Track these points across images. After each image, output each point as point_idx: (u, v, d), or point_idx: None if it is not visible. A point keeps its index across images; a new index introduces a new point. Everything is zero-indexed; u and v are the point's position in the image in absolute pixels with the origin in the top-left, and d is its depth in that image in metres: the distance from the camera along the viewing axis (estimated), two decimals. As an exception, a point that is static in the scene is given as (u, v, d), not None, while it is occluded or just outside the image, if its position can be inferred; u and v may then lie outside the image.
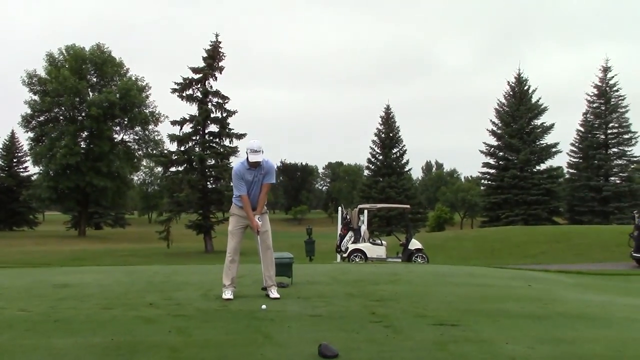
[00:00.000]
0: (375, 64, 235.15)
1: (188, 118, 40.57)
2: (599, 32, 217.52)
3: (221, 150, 41.42)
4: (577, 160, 60.40)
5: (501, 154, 61.16)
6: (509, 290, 8.13)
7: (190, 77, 41.01)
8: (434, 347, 4.50)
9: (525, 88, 61.08)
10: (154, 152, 56.59)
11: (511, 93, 61.50)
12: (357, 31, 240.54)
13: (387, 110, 70.84)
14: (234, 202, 7.05)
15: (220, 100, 41.19)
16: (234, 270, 6.90)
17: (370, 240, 21.98)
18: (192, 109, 41.27)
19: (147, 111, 57.96)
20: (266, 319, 5.52)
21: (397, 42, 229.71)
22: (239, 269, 7.11)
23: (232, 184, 7.19)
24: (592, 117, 59.84)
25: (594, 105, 59.84)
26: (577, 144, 60.19)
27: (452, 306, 6.42)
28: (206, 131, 41.61)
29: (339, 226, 22.52)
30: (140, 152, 61.17)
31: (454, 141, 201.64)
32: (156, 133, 59.41)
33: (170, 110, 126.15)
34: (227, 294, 6.74)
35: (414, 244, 21.50)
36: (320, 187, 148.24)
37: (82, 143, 57.10)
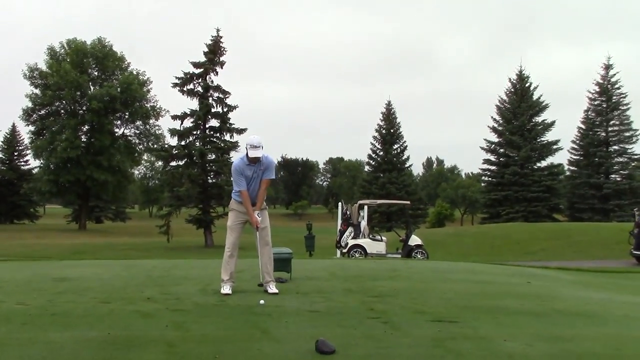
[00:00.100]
0: (377, 60, 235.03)
1: (189, 112, 40.48)
2: (601, 30, 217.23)
3: (222, 145, 41.35)
4: (577, 157, 60.32)
5: (502, 150, 61.11)
6: (508, 287, 8.11)
7: (191, 72, 40.92)
8: (432, 343, 4.49)
9: (527, 85, 60.99)
10: (155, 146, 56.56)
11: (512, 90, 61.39)
12: (359, 27, 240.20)
13: (388, 106, 70.88)
14: (234, 197, 7.03)
15: (221, 95, 41.11)
16: (233, 265, 6.88)
17: (370, 236, 21.97)
18: (193, 104, 41.23)
19: (148, 105, 57.96)
20: (264, 314, 5.50)
21: (399, 38, 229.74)
22: (238, 264, 7.09)
23: (232, 179, 7.17)
24: (593, 114, 59.73)
25: (595, 103, 59.73)
26: (578, 141, 60.11)
27: (451, 303, 6.40)
28: (207, 126, 41.53)
29: (339, 222, 22.51)
30: (141, 146, 61.18)
31: (455, 138, 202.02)
32: (157, 127, 59.52)
33: (171, 105, 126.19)
34: (226, 289, 6.73)
35: (414, 240, 21.48)
36: (320, 183, 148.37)
37: (82, 137, 57.10)
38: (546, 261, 20.50)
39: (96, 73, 58.84)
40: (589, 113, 59.86)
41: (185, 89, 40.98)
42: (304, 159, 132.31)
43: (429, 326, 5.09)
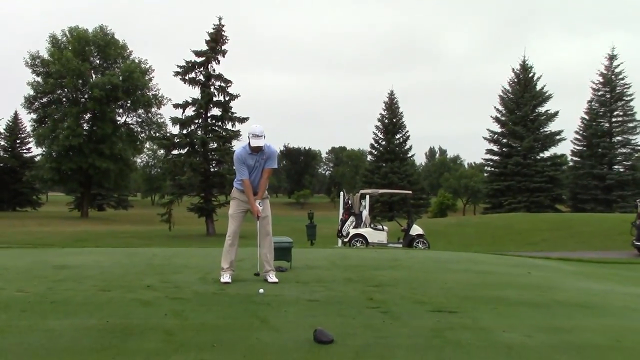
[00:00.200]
0: (381, 50, 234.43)
1: (190, 101, 40.46)
2: (606, 20, 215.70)
3: (223, 133, 41.33)
4: (581, 148, 60.19)
5: (505, 141, 61.00)
6: (508, 277, 8.09)
7: (193, 60, 40.82)
8: (431, 333, 4.47)
9: (530, 75, 60.76)
10: (157, 134, 56.50)
11: (516, 80, 61.17)
12: (363, 16, 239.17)
13: (391, 95, 70.70)
14: (235, 186, 7.01)
15: (222, 84, 41.04)
16: (233, 254, 6.88)
17: (372, 226, 21.98)
18: (195, 92, 41.21)
19: (150, 94, 57.83)
20: (263, 303, 5.49)
21: (402, 28, 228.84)
22: (238, 252, 7.09)
23: (234, 168, 7.14)
24: (597, 105, 59.55)
25: (599, 94, 59.55)
26: (581, 132, 59.98)
27: (451, 293, 6.38)
28: (209, 114, 41.51)
29: (341, 211, 22.52)
30: (143, 135, 61.11)
31: (458, 128, 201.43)
32: (159, 116, 59.42)
33: (173, 93, 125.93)
34: (226, 278, 6.72)
35: (415, 230, 21.50)
36: (323, 172, 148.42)
37: (84, 125, 57.05)
38: (548, 252, 20.52)
39: (98, 61, 58.70)
40: (593, 104, 59.69)
41: (187, 77, 40.93)
42: (307, 148, 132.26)
43: (429, 316, 5.08)
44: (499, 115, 61.26)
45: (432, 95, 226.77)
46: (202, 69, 40.96)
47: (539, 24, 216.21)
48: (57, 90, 55.80)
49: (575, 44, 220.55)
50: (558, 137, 59.42)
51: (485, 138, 61.90)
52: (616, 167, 58.89)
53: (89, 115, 57.00)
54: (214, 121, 41.78)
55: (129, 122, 60.68)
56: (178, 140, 41.37)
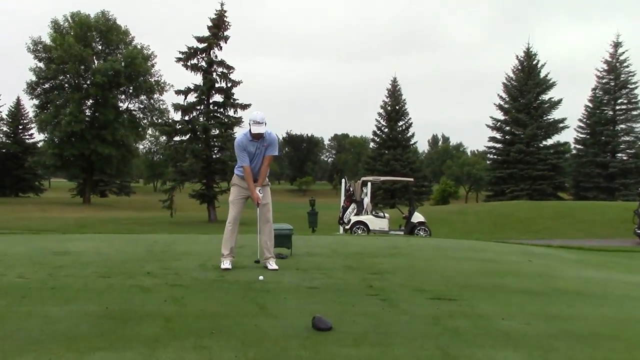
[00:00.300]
0: (384, 37, 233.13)
1: (192, 87, 40.31)
2: (611, 7, 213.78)
3: (225, 120, 41.21)
4: (584, 136, 59.91)
5: (508, 128, 60.72)
6: (509, 265, 8.10)
7: (195, 47, 40.60)
8: (430, 321, 4.47)
9: (534, 62, 60.35)
10: (159, 121, 56.40)
11: (519, 67, 60.79)
12: (366, 3, 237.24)
13: (394, 82, 70.41)
14: (236, 173, 7.02)
15: (225, 70, 40.84)
16: (234, 241, 6.89)
17: (373, 213, 21.98)
18: (197, 79, 41.07)
19: (152, 80, 57.63)
20: (262, 290, 5.50)
21: (406, 15, 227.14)
22: (239, 239, 7.09)
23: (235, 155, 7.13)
24: (601, 92, 59.20)
25: (603, 81, 59.17)
26: (584, 120, 59.66)
27: (451, 280, 6.39)
28: (210, 101, 41.35)
29: (342, 198, 22.51)
30: (145, 121, 61.01)
31: (461, 115, 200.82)
32: (161, 102, 59.22)
33: (175, 80, 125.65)
34: (226, 264, 6.74)
35: (417, 217, 21.50)
36: (325, 159, 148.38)
37: (87, 111, 56.93)
38: (550, 240, 20.53)
39: (100, 47, 58.45)
40: (597, 91, 59.33)
41: (189, 63, 40.74)
42: (309, 135, 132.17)
43: (428, 304, 5.08)
44: (502, 103, 60.98)
45: (436, 83, 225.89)
46: (204, 55, 40.76)
47: (544, 10, 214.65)
48: (59, 76, 55.64)
49: (580, 31, 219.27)
50: (561, 124, 59.13)
51: (488, 126, 61.72)
52: (619, 155, 58.64)
53: (91, 101, 56.88)
54: (215, 108, 41.65)
55: (131, 108, 60.54)
56: (180, 126, 41.27)
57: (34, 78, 55.37)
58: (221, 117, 41.44)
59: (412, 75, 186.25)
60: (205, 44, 40.48)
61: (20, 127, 73.93)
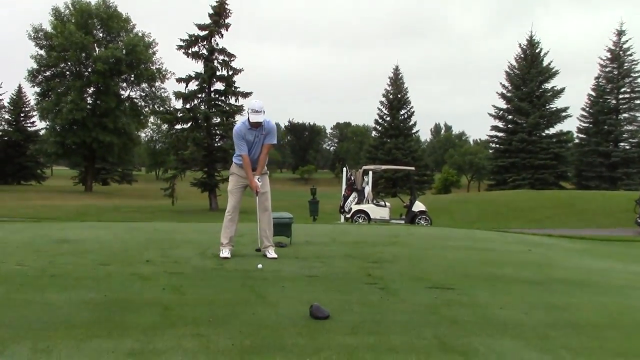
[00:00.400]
0: (387, 25, 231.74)
1: (194, 75, 40.16)
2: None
3: (227, 108, 41.11)
4: (587, 125, 59.75)
5: (510, 117, 60.53)
6: (509, 254, 8.10)
7: (196, 34, 40.39)
8: (427, 310, 4.47)
9: (537, 51, 60.06)
10: (160, 109, 56.33)
11: (522, 56, 60.50)
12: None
13: (396, 71, 70.16)
14: (234, 161, 7.01)
15: (226, 58, 40.68)
16: (233, 229, 6.89)
17: (374, 202, 21.98)
18: (198, 67, 40.90)
19: (153, 68, 57.50)
20: (261, 278, 5.51)
21: (409, 3, 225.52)
22: (238, 228, 7.09)
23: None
24: (604, 81, 58.94)
25: (607, 70, 58.90)
26: (587, 109, 59.46)
27: (450, 269, 6.39)
28: (212, 89, 41.23)
29: (343, 187, 22.51)
30: (146, 109, 60.95)
31: (464, 104, 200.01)
32: (163, 90, 59.16)
33: (177, 67, 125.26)
34: (225, 253, 6.74)
35: (418, 206, 21.50)
36: (327, 147, 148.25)
37: (88, 99, 56.93)
38: (551, 229, 20.48)
39: (101, 34, 58.30)
40: (600, 80, 59.08)
41: (190, 51, 40.55)
42: (311, 123, 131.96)
43: (426, 293, 5.08)
44: (504, 92, 60.74)
45: (439, 71, 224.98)
46: (205, 42, 40.56)
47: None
48: (61, 63, 55.57)
49: (585, 20, 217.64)
50: (564, 113, 58.91)
51: (490, 114, 61.50)
52: (622, 144, 58.43)
53: (92, 89, 56.83)
54: (217, 96, 41.54)
55: (133, 96, 60.54)
56: (181, 114, 41.16)
57: (35, 66, 55.36)
58: (222, 105, 41.32)
59: (414, 64, 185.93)
60: (207, 32, 40.26)
61: (22, 114, 73.91)
